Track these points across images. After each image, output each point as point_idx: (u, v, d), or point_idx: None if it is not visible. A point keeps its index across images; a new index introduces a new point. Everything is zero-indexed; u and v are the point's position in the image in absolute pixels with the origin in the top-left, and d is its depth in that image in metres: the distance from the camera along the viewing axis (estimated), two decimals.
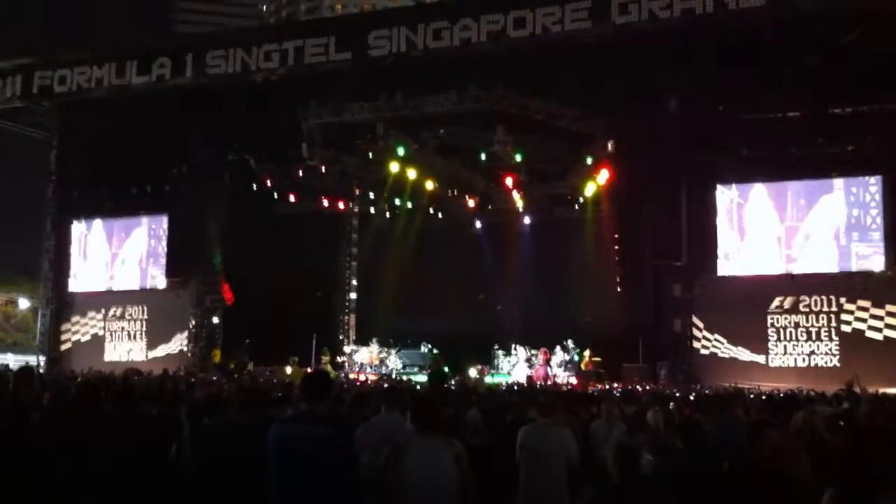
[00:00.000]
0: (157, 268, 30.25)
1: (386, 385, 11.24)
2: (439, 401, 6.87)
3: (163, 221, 30.21)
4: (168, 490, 6.67)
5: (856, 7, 21.15)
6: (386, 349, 28.70)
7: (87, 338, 31.12)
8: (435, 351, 28.29)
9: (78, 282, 31.47)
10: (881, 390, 17.39)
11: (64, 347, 31.03)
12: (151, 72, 27.33)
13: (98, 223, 31.50)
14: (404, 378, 23.59)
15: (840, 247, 23.84)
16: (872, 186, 23.70)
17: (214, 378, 20.18)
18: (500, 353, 27.46)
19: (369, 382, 22.44)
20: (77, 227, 31.66)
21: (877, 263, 23.33)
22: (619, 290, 26.22)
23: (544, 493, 7.43)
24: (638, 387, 20.06)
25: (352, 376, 26.07)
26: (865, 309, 23.10)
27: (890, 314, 22.77)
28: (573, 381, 24.64)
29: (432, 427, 5.99)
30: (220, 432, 7.19)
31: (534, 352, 26.64)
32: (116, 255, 31.06)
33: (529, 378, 24.97)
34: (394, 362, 28.30)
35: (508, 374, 26.28)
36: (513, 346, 27.27)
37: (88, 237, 31.63)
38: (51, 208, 31.38)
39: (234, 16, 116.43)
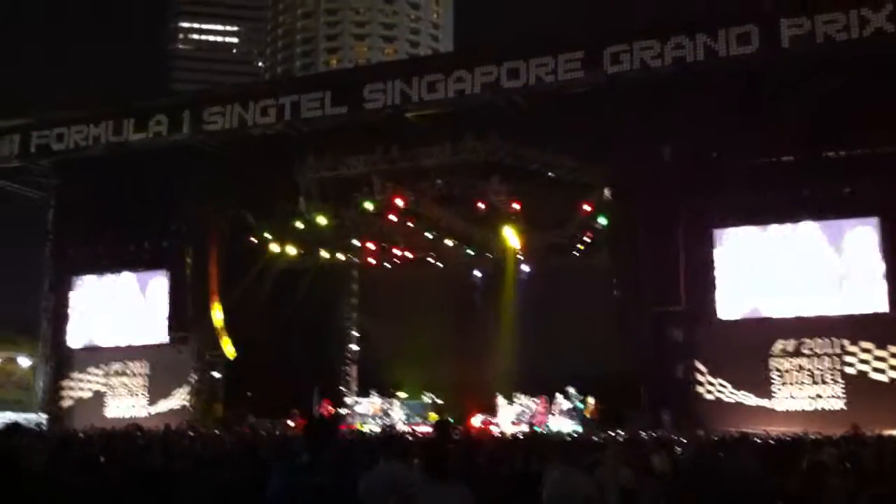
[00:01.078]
0: (158, 323, 30.18)
1: (383, 434, 11.16)
2: (449, 449, 6.78)
3: (162, 277, 30.22)
4: None
5: (845, 52, 21.40)
6: (388, 400, 28.59)
7: (89, 394, 31.01)
8: (438, 401, 28.17)
9: (77, 338, 31.38)
10: (887, 432, 17.33)
11: (65, 404, 30.93)
12: (148, 129, 27.61)
13: (96, 280, 31.53)
14: (407, 428, 23.41)
15: (840, 289, 23.81)
16: (870, 228, 23.74)
17: (216, 432, 20.02)
18: (504, 401, 27.31)
19: (372, 433, 22.27)
20: (75, 285, 31.66)
21: (878, 305, 23.28)
22: (618, 336, 26.16)
23: None
24: (642, 433, 19.90)
25: (354, 427, 25.91)
26: (868, 351, 23.00)
27: (894, 355, 22.67)
28: (578, 429, 24.48)
29: (444, 475, 5.92)
30: (221, 486, 7.13)
31: (535, 400, 26.53)
32: (116, 310, 30.98)
33: (531, 425, 24.85)
34: (397, 413, 28.15)
35: (510, 422, 26.18)
36: (516, 394, 27.16)
37: (87, 294, 31.63)
38: (48, 266, 31.42)
39: (230, 73, 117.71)
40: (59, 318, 31.31)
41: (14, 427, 8.10)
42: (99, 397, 30.77)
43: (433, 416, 26.07)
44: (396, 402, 28.53)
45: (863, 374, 23.01)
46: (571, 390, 26.46)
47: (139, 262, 30.61)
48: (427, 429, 22.24)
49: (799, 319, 24.01)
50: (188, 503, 7.16)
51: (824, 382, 23.47)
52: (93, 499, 6.95)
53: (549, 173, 24.57)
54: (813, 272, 24.11)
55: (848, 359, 23.27)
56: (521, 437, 16.60)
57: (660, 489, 8.42)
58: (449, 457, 6.20)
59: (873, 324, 23.19)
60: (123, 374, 30.63)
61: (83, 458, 9.31)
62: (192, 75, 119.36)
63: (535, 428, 24.68)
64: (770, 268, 24.70)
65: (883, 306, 23.16)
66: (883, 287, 23.25)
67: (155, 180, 27.02)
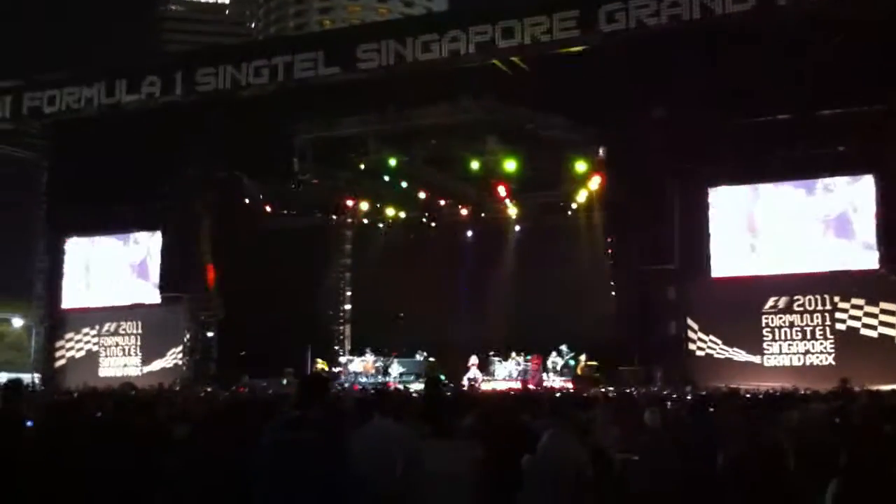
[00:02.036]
0: (151, 283, 30.27)
1: (376, 391, 11.25)
2: (448, 405, 6.84)
3: (155, 238, 30.26)
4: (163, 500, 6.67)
5: (839, 11, 21.31)
6: (382, 358, 28.81)
7: (82, 354, 31.16)
8: (431, 359, 28.38)
9: (71, 299, 31.48)
10: (876, 387, 17.48)
11: (58, 364, 31.06)
12: (141, 90, 27.46)
13: (90, 241, 31.58)
14: (401, 386, 23.57)
15: (833, 246, 23.92)
16: (864, 186, 23.80)
17: (209, 389, 20.17)
18: (496, 359, 27.57)
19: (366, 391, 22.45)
20: (69, 245, 31.70)
21: (870, 262, 23.41)
22: (612, 294, 26.31)
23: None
24: (633, 389, 20.11)
25: (347, 385, 26.12)
26: (860, 307, 23.16)
27: (884, 311, 22.83)
28: (569, 385, 24.71)
29: (444, 431, 5.97)
30: (216, 445, 7.17)
31: (527, 357, 26.77)
32: (109, 271, 31.04)
33: (524, 383, 25.07)
34: (393, 370, 28.39)
35: (504, 379, 26.49)
36: (510, 352, 27.39)
37: (80, 255, 31.66)
38: (43, 228, 31.42)
39: (222, 34, 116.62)
40: (53, 279, 31.36)
41: (15, 383, 8.15)
42: (92, 357, 30.94)
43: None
44: (393, 360, 28.75)
45: (853, 330, 23.18)
46: (564, 348, 26.71)
47: (133, 223, 30.58)
48: (419, 386, 22.42)
49: (791, 276, 24.14)
50: (185, 462, 7.22)
51: (815, 338, 23.67)
52: (90, 457, 7.02)
53: (544, 133, 24.52)
54: (806, 230, 24.22)
55: (839, 315, 23.43)
56: (514, 394, 16.79)
57: (652, 444, 8.51)
58: (446, 414, 6.25)
59: (865, 281, 23.31)
60: (116, 333, 30.77)
61: (80, 416, 9.39)
62: (184, 37, 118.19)
63: (529, 385, 24.88)
64: (763, 226, 24.82)
65: (874, 263, 23.30)
66: (874, 244, 23.39)
67: (148, 141, 26.92)
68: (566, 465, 7.13)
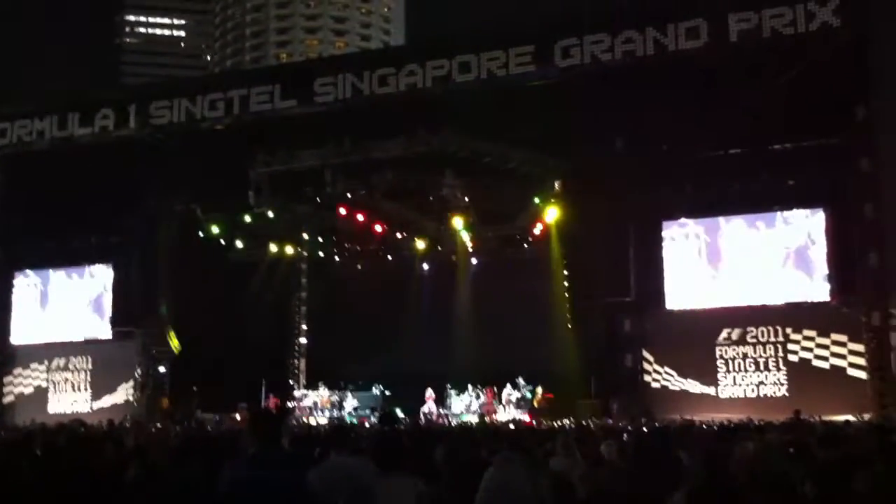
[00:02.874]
0: (102, 318, 29.78)
1: (332, 427, 11.13)
2: (400, 441, 6.74)
3: (107, 271, 29.83)
4: None
5: (791, 48, 21.78)
6: (337, 392, 28.55)
7: (30, 390, 30.57)
8: (387, 392, 28.20)
9: (20, 334, 30.89)
10: (827, 418, 17.71)
11: (6, 400, 30.46)
12: (94, 123, 27.20)
13: (41, 274, 31.12)
14: (355, 422, 23.40)
15: (790, 278, 24.26)
16: (815, 219, 24.21)
17: (159, 426, 19.82)
18: (453, 392, 27.48)
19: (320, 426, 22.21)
20: (19, 279, 31.16)
21: (821, 294, 23.78)
22: (570, 327, 26.40)
23: None
24: (590, 422, 20.13)
25: (304, 420, 25.83)
26: (811, 339, 23.49)
27: (835, 343, 23.16)
28: (525, 418, 24.69)
29: (396, 467, 5.91)
30: (169, 482, 7.02)
31: (482, 391, 26.75)
32: (63, 306, 30.54)
33: (482, 416, 25.01)
34: (348, 404, 28.14)
35: (462, 413, 26.41)
36: (467, 385, 27.32)
37: (31, 289, 31.15)
38: None
39: (179, 66, 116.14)
40: (2, 313, 30.76)
41: None
42: (41, 393, 30.39)
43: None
44: (348, 394, 28.51)
45: (805, 361, 23.49)
46: (520, 381, 26.70)
47: (85, 256, 30.21)
48: (374, 420, 22.26)
49: (744, 308, 24.45)
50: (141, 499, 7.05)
51: (768, 369, 23.95)
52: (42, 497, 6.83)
53: (502, 166, 24.65)
54: (759, 263, 24.55)
55: (791, 346, 23.75)
56: (472, 428, 16.71)
57: (608, 477, 8.49)
58: (401, 449, 6.18)
59: (816, 312, 23.69)
60: (66, 369, 30.28)
61: (31, 456, 9.17)
62: (140, 69, 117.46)
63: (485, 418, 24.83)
64: (714, 259, 25.11)
65: (825, 295, 23.66)
66: (826, 277, 23.76)
67: (102, 174, 26.57)
68: (512, 495, 7.09)
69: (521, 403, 26.45)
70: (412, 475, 6.16)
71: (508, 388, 26.76)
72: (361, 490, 5.70)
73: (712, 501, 5.97)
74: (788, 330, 23.86)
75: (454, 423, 24.09)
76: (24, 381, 30.72)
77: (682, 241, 25.46)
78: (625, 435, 12.61)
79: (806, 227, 24.34)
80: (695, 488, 6.25)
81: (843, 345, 23.10)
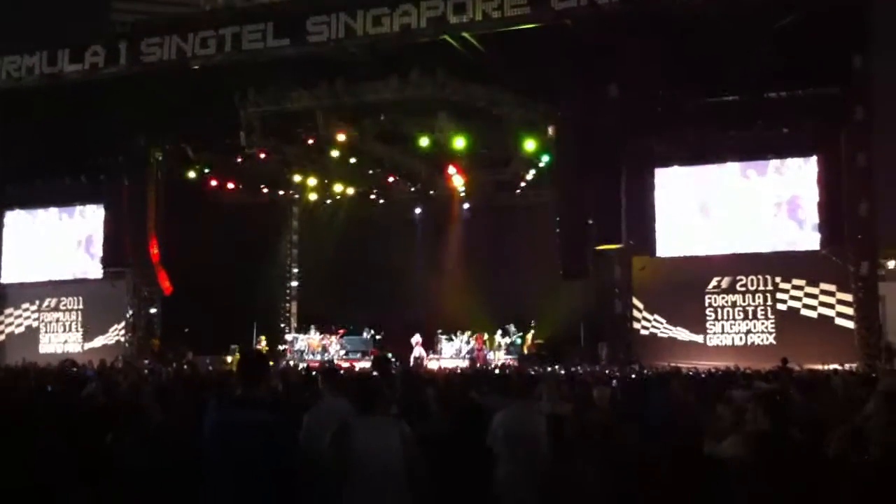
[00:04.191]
0: (93, 258, 29.72)
1: (326, 369, 11.18)
2: (378, 383, 6.76)
3: (98, 211, 29.67)
4: (106, 480, 6.56)
5: None
6: (327, 335, 28.66)
7: (22, 329, 30.61)
8: (377, 336, 28.32)
9: (11, 273, 30.83)
10: (814, 366, 17.87)
11: None
12: (84, 60, 26.73)
13: (32, 213, 31.01)
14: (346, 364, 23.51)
15: (776, 227, 24.35)
16: (807, 168, 24.19)
17: (151, 368, 19.87)
18: (443, 337, 27.62)
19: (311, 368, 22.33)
20: (10, 218, 31.08)
21: (811, 243, 23.86)
22: (560, 273, 26.44)
23: (529, 477, 7.25)
24: (579, 368, 20.28)
25: (293, 363, 25.96)
26: (800, 287, 23.66)
27: (824, 292, 23.34)
28: (514, 363, 24.87)
29: (375, 408, 5.95)
30: (163, 421, 7.07)
31: (472, 337, 26.91)
32: (53, 245, 30.45)
33: (472, 361, 25.18)
34: (335, 348, 28.26)
35: (451, 357, 26.62)
36: (457, 331, 27.48)
37: (21, 228, 31.05)
38: None
39: (169, 3, 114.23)
40: None
41: None
42: (32, 333, 30.43)
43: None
44: (335, 338, 28.63)
45: (794, 310, 23.68)
46: (511, 327, 26.84)
47: (75, 195, 30.07)
48: (366, 364, 22.37)
49: (734, 257, 24.57)
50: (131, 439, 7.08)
51: (756, 318, 24.14)
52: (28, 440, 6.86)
53: (495, 110, 24.46)
54: (750, 211, 24.60)
55: (780, 295, 23.93)
56: (461, 373, 16.81)
57: (599, 421, 8.57)
58: (378, 390, 6.19)
59: (806, 261, 23.83)
60: (57, 309, 30.28)
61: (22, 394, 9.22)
62: (131, 6, 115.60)
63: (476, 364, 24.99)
64: (708, 206, 25.15)
65: (815, 245, 23.74)
66: (816, 226, 23.82)
67: (92, 113, 26.27)
68: (533, 433, 7.22)
69: (510, 349, 26.62)
70: (395, 416, 6.20)
71: (499, 335, 26.91)
72: (340, 428, 5.73)
73: (769, 444, 6.01)
74: (777, 279, 24.00)
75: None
76: (15, 321, 30.74)
77: (674, 188, 25.45)
78: (614, 381, 12.72)
79: (798, 176, 24.34)
80: (757, 431, 6.30)
81: (831, 294, 23.28)
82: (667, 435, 7.99)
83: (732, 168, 24.94)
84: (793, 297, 23.71)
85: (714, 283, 24.64)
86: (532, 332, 26.58)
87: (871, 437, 6.04)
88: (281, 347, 29.26)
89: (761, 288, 24.20)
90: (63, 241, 30.40)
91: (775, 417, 6.25)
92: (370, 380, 6.89)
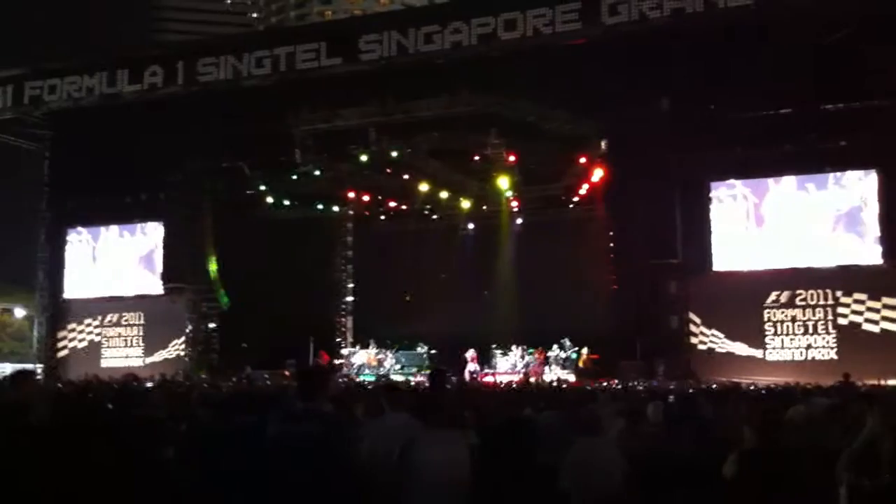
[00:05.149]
0: (153, 274, 30.26)
1: (387, 385, 11.26)
2: (445, 397, 6.79)
3: (158, 228, 30.25)
4: (164, 491, 6.66)
5: (843, 7, 21.25)
6: (383, 350, 28.77)
7: (84, 344, 31.24)
8: (432, 351, 28.35)
9: (73, 289, 31.50)
10: (878, 382, 17.51)
11: (61, 355, 31.13)
12: (143, 80, 27.35)
13: (93, 231, 31.59)
14: (401, 379, 23.61)
15: (841, 241, 23.92)
16: (867, 181, 23.78)
17: (214, 382, 20.16)
18: (498, 352, 27.57)
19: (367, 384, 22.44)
20: (72, 236, 31.73)
21: (872, 256, 23.41)
22: (614, 288, 26.29)
23: None
24: (636, 383, 20.10)
25: (351, 378, 26.11)
26: (862, 302, 23.20)
27: (886, 307, 22.86)
28: (571, 378, 24.72)
29: (441, 422, 5.96)
30: (221, 434, 7.16)
31: (530, 350, 26.79)
32: (115, 262, 31.05)
33: (527, 376, 25.07)
34: (391, 363, 28.37)
35: (506, 372, 26.53)
36: (511, 346, 27.41)
37: (83, 245, 31.69)
38: (45, 218, 31.45)
39: (223, 24, 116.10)
40: (55, 269, 31.44)
41: (23, 374, 8.07)
42: (95, 347, 31.00)
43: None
44: (391, 353, 28.73)
45: (855, 325, 23.23)
46: (566, 341, 26.70)
47: (135, 213, 30.66)
48: (421, 379, 22.40)
49: (793, 271, 24.18)
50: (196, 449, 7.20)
51: (817, 333, 23.71)
52: (97, 450, 6.99)
53: (546, 126, 24.46)
54: (808, 224, 24.22)
55: (841, 310, 23.49)
56: (516, 387, 16.78)
57: (653, 437, 8.49)
58: (445, 404, 6.22)
59: (867, 275, 23.38)
60: (119, 324, 30.82)
61: (87, 408, 9.38)
62: (183, 27, 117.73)
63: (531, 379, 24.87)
64: (762, 220, 24.80)
65: (877, 258, 23.28)
66: (877, 239, 23.37)
67: (151, 131, 26.87)
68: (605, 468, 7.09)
69: (566, 364, 26.49)
70: (461, 428, 6.21)
71: (555, 349, 26.79)
72: (409, 442, 5.74)
73: (762, 462, 5.98)
74: (838, 293, 23.57)
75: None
76: (78, 336, 31.36)
77: (729, 202, 25.16)
78: (670, 397, 12.59)
79: (858, 188, 23.91)
80: (745, 449, 6.25)
81: (894, 308, 22.80)
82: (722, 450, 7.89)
83: (790, 181, 24.58)
84: (854, 312, 23.26)
85: (773, 297, 24.27)
86: (586, 347, 26.39)
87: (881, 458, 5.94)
88: (337, 362, 29.44)
89: (821, 302, 23.77)
90: (124, 257, 30.96)
91: (765, 434, 6.20)
92: (438, 394, 6.87)
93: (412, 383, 18.32)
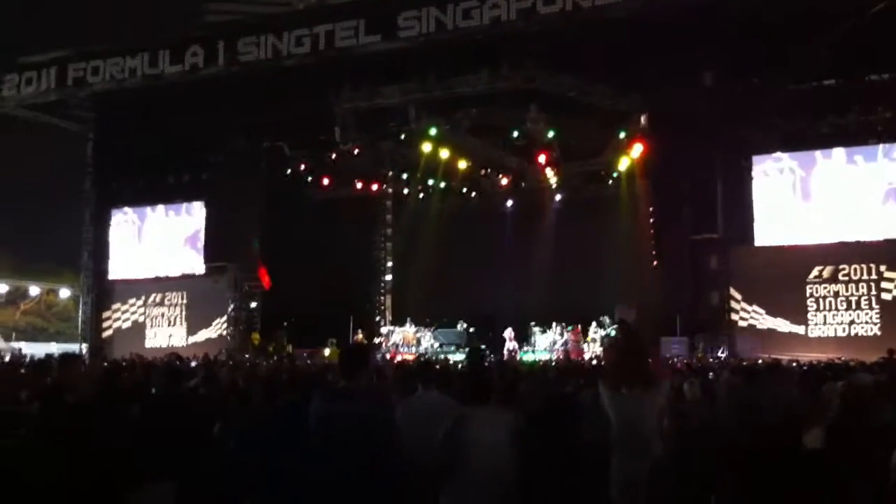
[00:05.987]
0: (196, 254, 30.64)
1: (422, 362, 11.33)
2: (489, 375, 6.79)
3: (200, 208, 30.59)
4: (213, 468, 6.78)
5: None
6: (422, 328, 28.90)
7: (128, 324, 31.70)
8: (471, 329, 28.41)
9: (117, 270, 31.97)
10: None
11: (105, 335, 31.63)
12: (184, 61, 27.51)
13: (136, 211, 31.97)
14: (441, 357, 23.70)
15: (880, 214, 23.51)
16: None
17: (255, 361, 20.40)
18: (537, 330, 27.56)
19: (407, 361, 22.58)
20: (116, 216, 32.16)
21: None
22: (655, 264, 26.13)
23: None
24: (675, 360, 20.03)
25: (388, 356, 26.29)
26: None
27: None
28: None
29: (487, 400, 5.99)
30: (268, 412, 7.26)
31: (570, 328, 26.74)
32: (160, 241, 31.45)
33: (567, 354, 25.06)
34: (430, 341, 28.49)
35: (545, 350, 26.50)
36: (551, 322, 27.38)
37: (127, 225, 32.12)
38: (89, 198, 31.92)
39: (263, 2, 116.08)
40: (100, 249, 31.89)
41: (69, 357, 8.27)
42: (139, 327, 31.46)
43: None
44: (430, 331, 28.85)
45: None
46: (605, 319, 26.59)
47: (178, 193, 31.02)
48: (460, 357, 22.50)
49: (836, 245, 23.84)
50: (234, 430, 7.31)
51: (860, 308, 23.39)
52: (142, 428, 7.13)
53: (586, 101, 24.30)
54: (851, 198, 23.83)
55: (885, 284, 23.13)
56: (554, 365, 16.79)
57: (692, 415, 8.47)
58: (489, 382, 6.25)
59: None
60: (162, 304, 31.23)
61: (132, 387, 9.58)
62: (224, 6, 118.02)
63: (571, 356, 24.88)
64: (808, 194, 24.46)
65: None
66: None
67: (193, 112, 27.14)
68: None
69: (605, 342, 26.39)
70: (503, 405, 6.24)
71: (594, 327, 26.71)
72: (457, 420, 5.77)
73: (850, 437, 5.90)
74: (882, 268, 23.21)
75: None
76: (123, 316, 31.84)
77: (775, 175, 24.83)
78: (710, 373, 12.54)
79: None
80: (833, 424, 6.18)
81: None
82: (765, 427, 7.84)
83: (839, 153, 24.12)
84: None
85: (815, 272, 23.98)
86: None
87: None
88: (377, 340, 29.64)
89: (865, 277, 23.43)
90: (168, 238, 31.33)
91: (852, 409, 6.11)
92: (483, 371, 6.89)
93: (451, 362, 18.38)
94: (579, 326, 26.66)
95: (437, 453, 5.77)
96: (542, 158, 27.50)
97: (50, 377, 7.67)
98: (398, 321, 31.06)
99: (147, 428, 6.95)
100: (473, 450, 5.65)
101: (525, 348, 26.95)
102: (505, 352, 26.20)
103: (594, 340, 26.50)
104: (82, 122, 32.13)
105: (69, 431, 5.57)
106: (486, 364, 12.35)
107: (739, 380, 9.78)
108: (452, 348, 27.50)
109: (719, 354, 22.81)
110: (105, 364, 17.44)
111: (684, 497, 7.26)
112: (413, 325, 29.12)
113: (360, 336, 28.47)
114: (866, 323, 23.27)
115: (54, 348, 31.53)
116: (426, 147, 27.04)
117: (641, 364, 7.01)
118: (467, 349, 20.21)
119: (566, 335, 26.74)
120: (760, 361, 17.49)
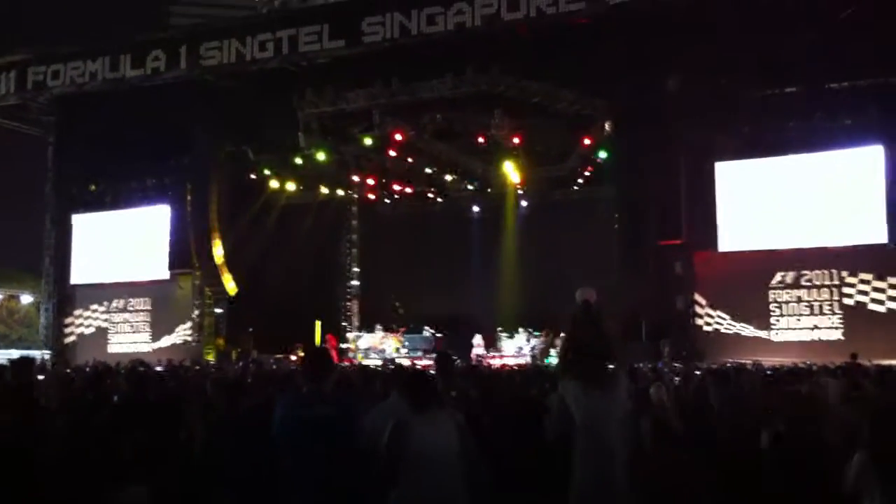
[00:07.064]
0: (160, 259, 30.28)
1: (392, 368, 11.27)
2: (431, 379, 6.73)
3: (163, 213, 30.25)
4: (181, 473, 6.71)
5: None
6: (388, 334, 28.82)
7: (91, 330, 31.29)
8: (438, 335, 28.37)
9: (79, 275, 31.54)
10: (883, 362, 17.47)
11: (68, 340, 31.21)
12: (146, 65, 27.26)
13: (98, 216, 31.49)
14: (406, 362, 23.64)
15: (842, 220, 23.80)
16: (873, 159, 23.62)
17: (220, 366, 20.23)
18: (504, 335, 27.58)
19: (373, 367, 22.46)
20: (77, 221, 31.70)
21: (879, 236, 23.29)
22: (620, 269, 26.24)
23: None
24: (640, 364, 20.07)
25: (356, 361, 26.18)
26: (867, 282, 23.13)
27: (892, 286, 22.78)
28: None
29: (430, 402, 5.96)
30: (232, 417, 7.19)
31: (536, 333, 26.76)
32: (120, 246, 31.02)
33: (534, 358, 25.09)
34: (388, 346, 28.39)
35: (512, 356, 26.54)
36: (517, 328, 27.41)
37: (89, 230, 31.67)
38: (50, 203, 31.46)
39: (227, 6, 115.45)
40: (62, 255, 31.44)
41: (27, 360, 8.13)
42: (102, 333, 31.06)
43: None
44: (395, 337, 28.76)
45: (861, 304, 23.17)
46: None
47: (140, 198, 30.66)
48: (427, 362, 22.45)
49: (799, 251, 24.07)
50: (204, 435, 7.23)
51: (822, 313, 23.67)
52: (109, 434, 7.04)
53: (551, 107, 24.38)
54: (814, 204, 24.09)
55: (847, 290, 23.42)
56: (521, 369, 16.79)
57: (656, 420, 8.48)
58: (432, 386, 6.19)
59: (873, 255, 23.26)
60: (125, 310, 30.86)
61: (98, 393, 9.45)
62: (187, 9, 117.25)
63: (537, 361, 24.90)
64: (771, 200, 24.69)
65: (883, 237, 23.18)
66: (883, 218, 23.26)
67: (155, 116, 26.86)
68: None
69: None
70: (449, 408, 6.22)
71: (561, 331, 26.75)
72: (397, 425, 5.75)
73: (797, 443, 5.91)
74: (844, 273, 23.50)
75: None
76: (85, 322, 31.44)
77: (735, 181, 25.07)
78: (676, 378, 12.60)
79: (864, 167, 23.77)
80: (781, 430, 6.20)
81: None
82: (729, 431, 7.89)
83: (795, 160, 24.44)
84: (860, 292, 23.20)
85: (778, 277, 24.23)
86: None
87: None
88: (343, 346, 29.52)
89: (827, 282, 23.73)
90: (130, 242, 30.91)
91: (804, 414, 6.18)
92: (421, 375, 6.85)
93: (418, 367, 18.30)
94: (547, 330, 26.71)
95: (383, 458, 5.74)
96: (507, 163, 27.56)
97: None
98: (365, 326, 30.96)
99: (114, 435, 6.86)
100: (419, 452, 5.64)
101: (492, 353, 26.94)
102: (473, 356, 26.19)
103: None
104: (43, 127, 31.68)
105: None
106: (453, 369, 12.30)
107: (708, 383, 9.83)
108: (419, 353, 27.43)
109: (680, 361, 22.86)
110: (68, 371, 17.20)
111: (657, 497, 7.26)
112: (381, 331, 29.03)
113: (331, 342, 28.29)
114: (829, 328, 23.55)
115: (16, 355, 30.92)
116: (391, 152, 26.92)
117: (598, 335, 6.86)
118: (436, 354, 20.09)
119: (533, 340, 26.78)
120: (728, 365, 17.60)
